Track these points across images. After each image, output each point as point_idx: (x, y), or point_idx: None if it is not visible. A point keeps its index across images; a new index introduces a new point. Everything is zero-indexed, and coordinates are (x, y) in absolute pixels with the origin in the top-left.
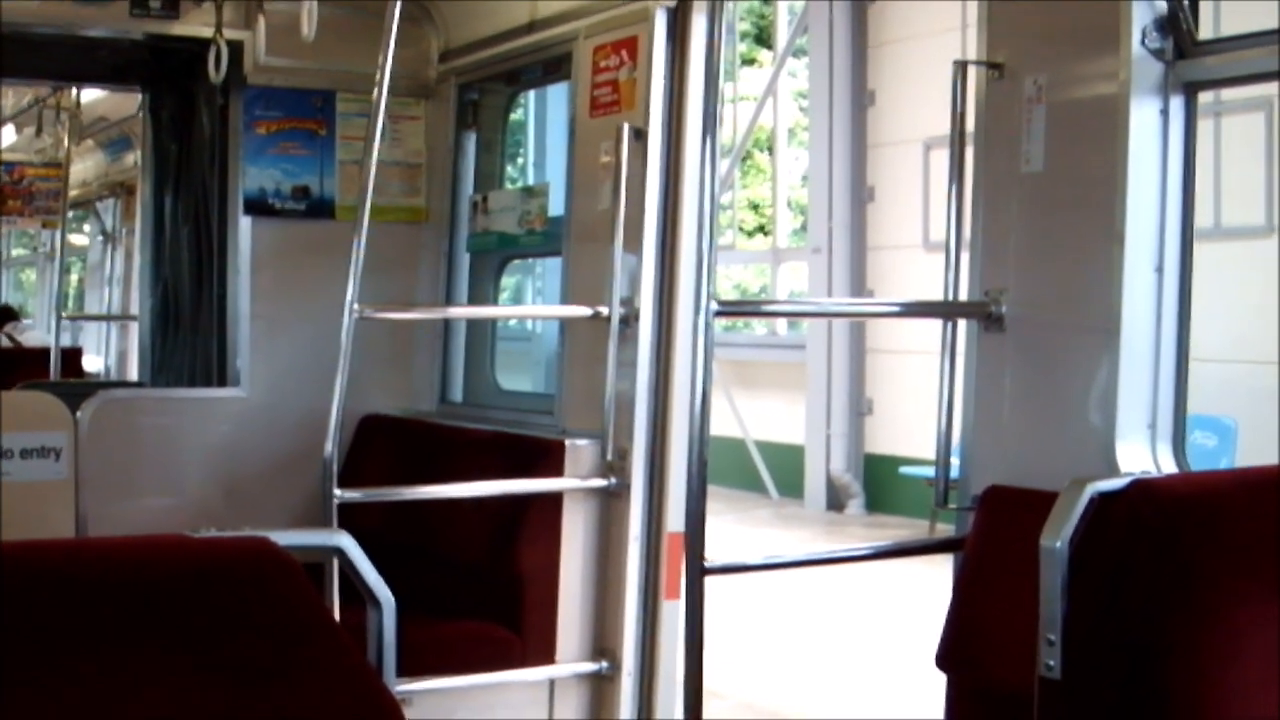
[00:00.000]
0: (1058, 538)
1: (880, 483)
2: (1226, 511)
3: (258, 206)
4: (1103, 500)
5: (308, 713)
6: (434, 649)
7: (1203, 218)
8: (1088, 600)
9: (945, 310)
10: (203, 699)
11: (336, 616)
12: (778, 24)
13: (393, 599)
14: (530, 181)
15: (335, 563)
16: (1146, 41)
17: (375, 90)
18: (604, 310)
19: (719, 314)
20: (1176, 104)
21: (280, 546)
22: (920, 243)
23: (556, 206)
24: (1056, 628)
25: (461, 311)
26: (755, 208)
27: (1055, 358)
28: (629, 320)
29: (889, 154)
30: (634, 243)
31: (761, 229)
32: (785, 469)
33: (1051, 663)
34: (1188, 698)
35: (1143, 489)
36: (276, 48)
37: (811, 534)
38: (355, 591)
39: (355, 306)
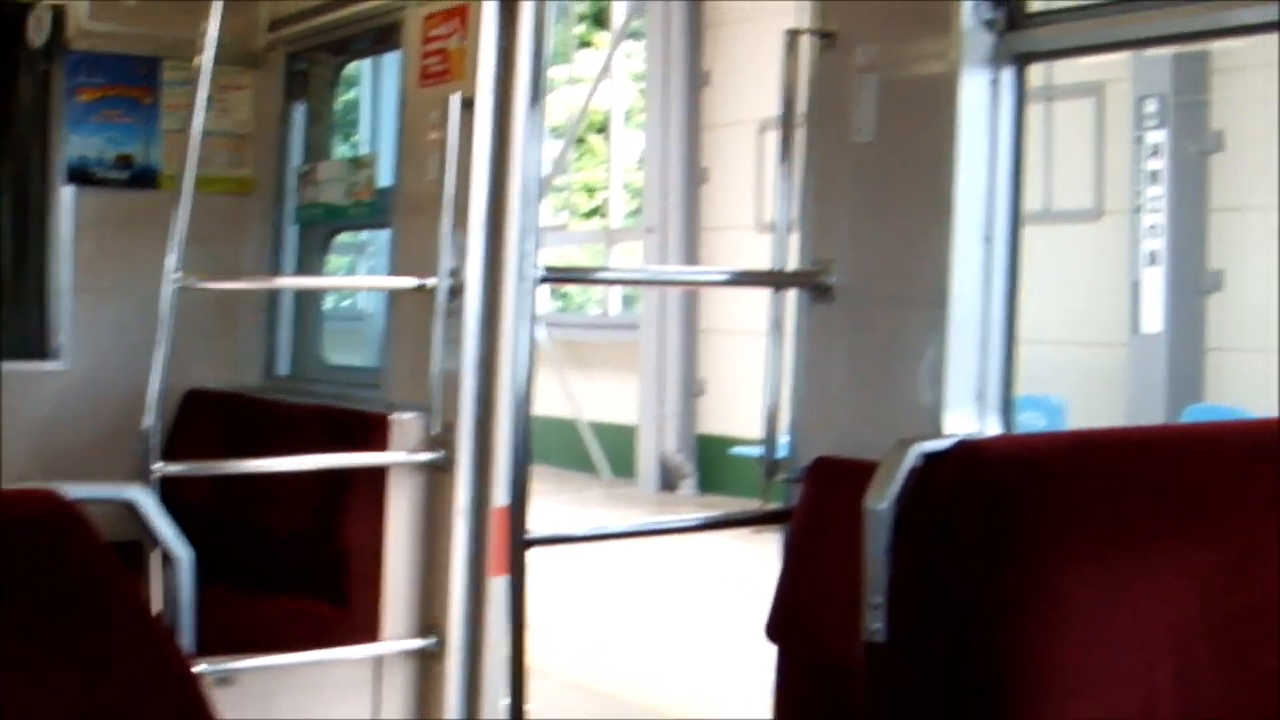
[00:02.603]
0: (882, 499)
1: (713, 463)
2: (1053, 471)
3: (80, 175)
4: (928, 461)
5: (94, 667)
6: (258, 626)
7: (1033, 201)
8: (914, 562)
9: (774, 280)
10: None
11: (158, 603)
12: (614, 6)
13: (190, 555)
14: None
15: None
16: (978, 12)
17: (198, 58)
18: (431, 282)
19: (544, 280)
20: (1007, 75)
21: (69, 500)
22: (753, 224)
23: (387, 177)
24: (882, 590)
25: (286, 282)
26: (590, 191)
27: (884, 328)
28: (456, 292)
29: (724, 135)
30: (462, 213)
31: (596, 212)
32: (618, 450)
33: (877, 626)
34: (1017, 658)
35: (968, 449)
36: (100, 12)
37: (644, 514)
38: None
39: (176, 276)
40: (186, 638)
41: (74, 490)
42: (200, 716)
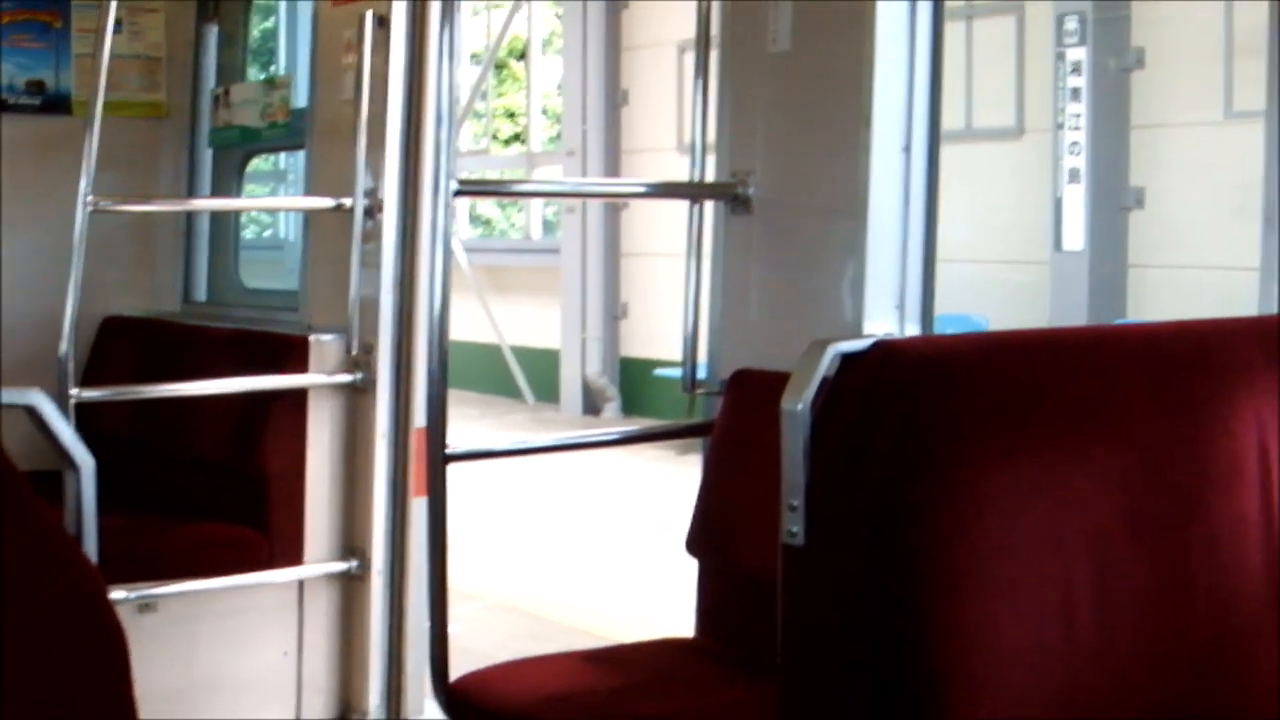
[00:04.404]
0: (799, 399)
1: (636, 385)
2: (969, 372)
3: None
4: (845, 363)
5: None
6: (180, 552)
7: (955, 120)
8: (831, 464)
9: (691, 191)
10: None
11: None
12: None
13: (92, 461)
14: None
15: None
16: None
17: None
18: (347, 202)
19: (459, 194)
20: None
21: None
22: (674, 145)
23: (302, 99)
24: (799, 493)
25: (200, 204)
26: (511, 115)
27: (803, 240)
28: (373, 212)
29: (643, 57)
30: (378, 132)
31: (518, 138)
32: (541, 374)
33: (795, 529)
34: (933, 559)
35: (885, 349)
36: None
37: (567, 436)
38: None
39: (89, 199)
40: (90, 545)
41: None
42: (103, 624)
